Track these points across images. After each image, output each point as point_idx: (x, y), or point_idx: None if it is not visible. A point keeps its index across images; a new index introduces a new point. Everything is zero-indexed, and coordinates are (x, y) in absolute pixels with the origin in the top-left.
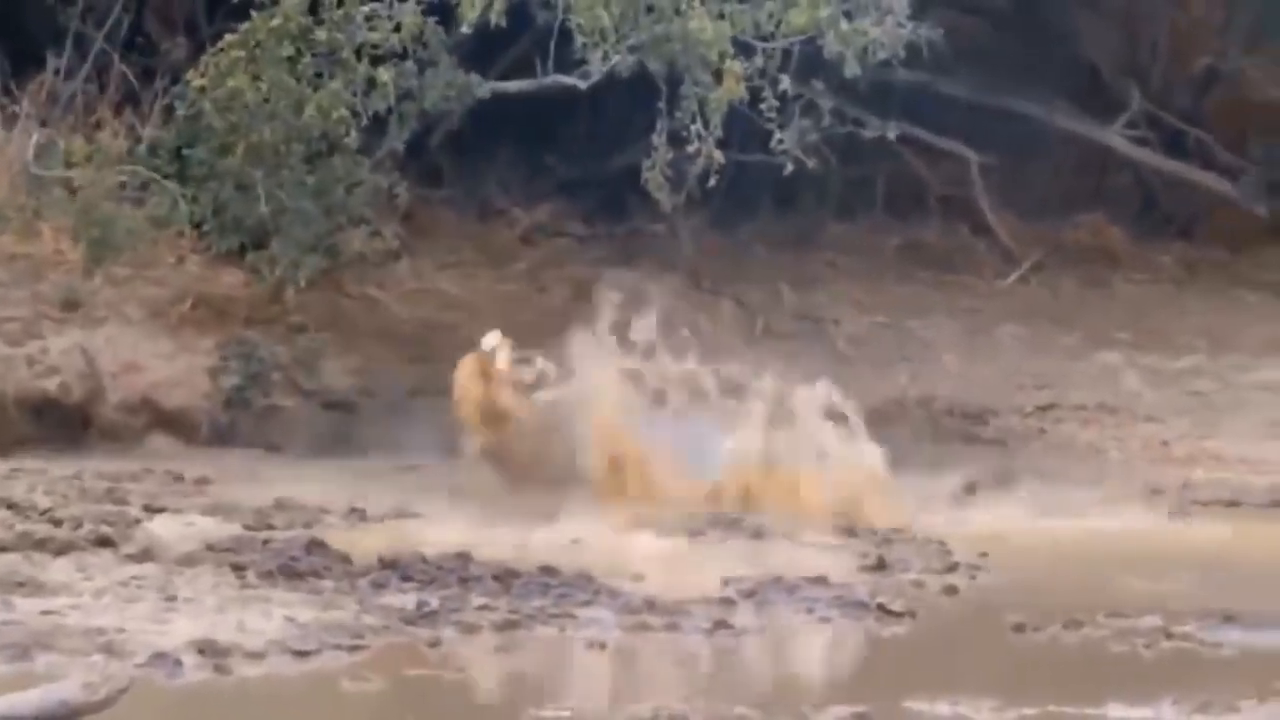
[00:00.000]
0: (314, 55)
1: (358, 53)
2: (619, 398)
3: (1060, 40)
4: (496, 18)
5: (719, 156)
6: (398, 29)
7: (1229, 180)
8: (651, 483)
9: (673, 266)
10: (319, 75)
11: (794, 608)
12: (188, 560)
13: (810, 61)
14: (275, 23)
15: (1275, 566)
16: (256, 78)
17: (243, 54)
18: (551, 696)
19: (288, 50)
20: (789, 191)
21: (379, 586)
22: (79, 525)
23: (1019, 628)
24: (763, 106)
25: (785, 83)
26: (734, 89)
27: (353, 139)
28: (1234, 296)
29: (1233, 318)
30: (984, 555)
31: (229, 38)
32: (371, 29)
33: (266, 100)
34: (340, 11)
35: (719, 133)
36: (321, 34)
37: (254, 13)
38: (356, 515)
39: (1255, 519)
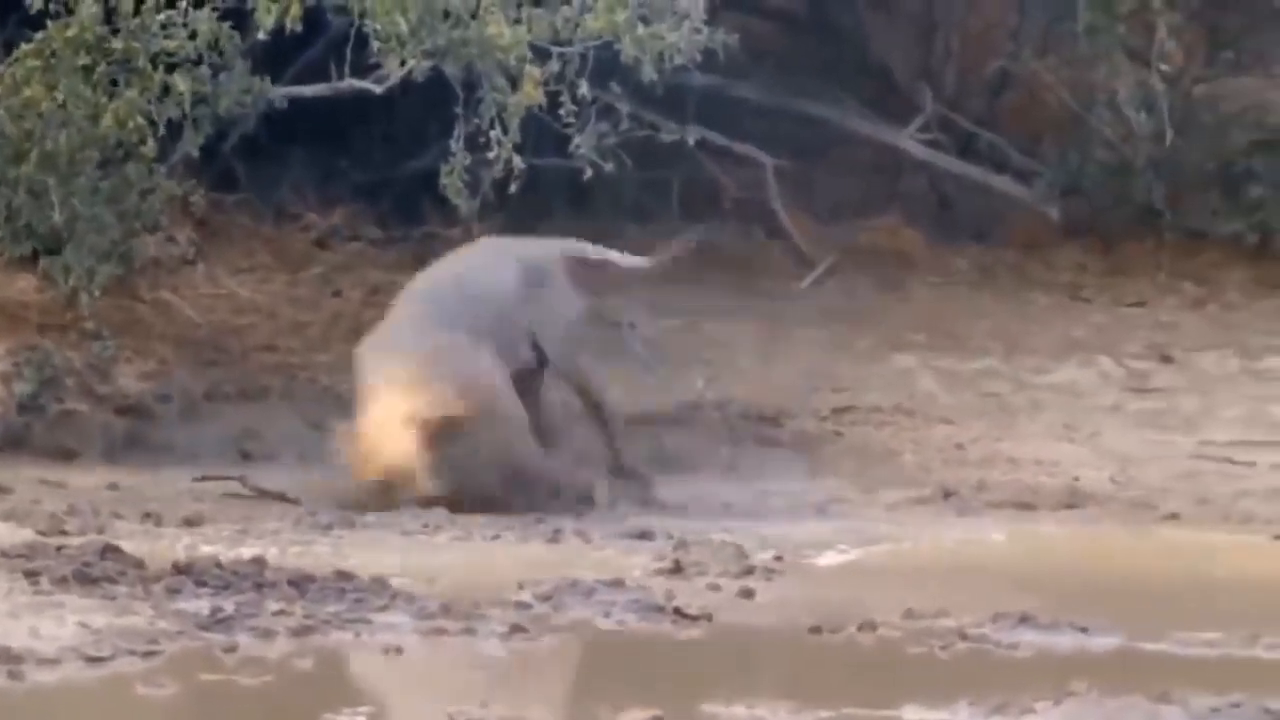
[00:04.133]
0: (110, 64)
1: (153, 61)
2: None
3: (853, 43)
4: (293, 23)
5: (518, 162)
6: (193, 36)
7: (1022, 183)
8: None
9: None
10: (115, 84)
11: (590, 611)
12: None
13: (607, 66)
14: (71, 32)
15: (1069, 568)
16: (52, 87)
17: (38, 64)
18: (347, 701)
19: (84, 60)
20: (584, 195)
21: (173, 592)
22: None
23: (815, 630)
24: (561, 111)
25: (583, 87)
26: (532, 94)
27: (149, 146)
28: (1028, 299)
29: (1026, 320)
30: (779, 559)
31: (24, 47)
32: (167, 37)
33: (62, 108)
34: (136, 20)
35: (517, 138)
36: (118, 43)
37: (49, 22)
38: (151, 521)
39: (1048, 521)
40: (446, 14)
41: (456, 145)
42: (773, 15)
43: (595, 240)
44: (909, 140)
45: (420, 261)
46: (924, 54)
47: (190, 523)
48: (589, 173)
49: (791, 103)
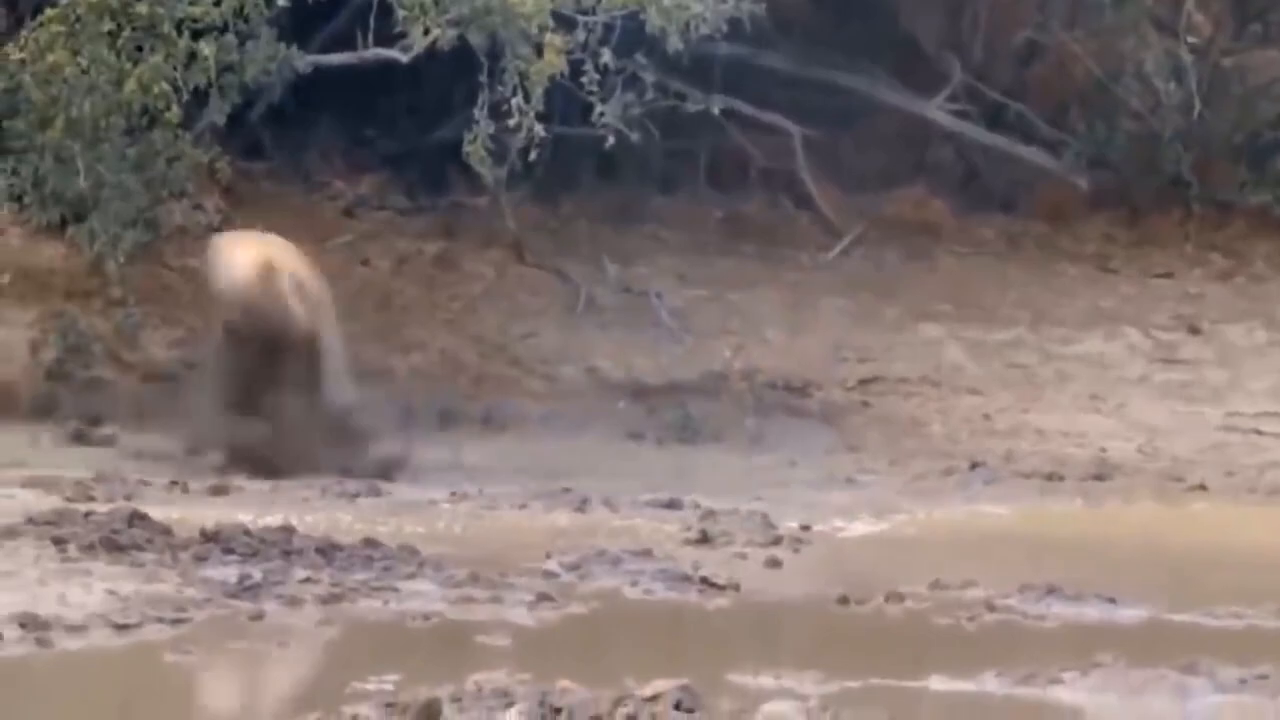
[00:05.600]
0: (134, 29)
1: (178, 27)
2: None
3: (881, 13)
4: None
5: (540, 130)
6: (218, 2)
7: (1050, 153)
8: None
9: (495, 240)
10: (139, 49)
11: (617, 580)
12: (8, 533)
13: (632, 35)
14: None
15: (1097, 539)
16: (76, 53)
17: (63, 29)
18: (375, 669)
19: (108, 25)
20: (611, 165)
21: (201, 559)
22: None
23: (842, 600)
24: (584, 80)
25: (606, 56)
26: (554, 62)
27: (173, 113)
28: (1055, 269)
29: (1054, 290)
30: (806, 529)
31: (49, 12)
32: (192, 3)
33: (86, 74)
34: None
35: (540, 106)
36: (142, 8)
37: None
38: (178, 488)
39: (1075, 492)
40: None
41: (480, 114)
42: None
43: (622, 210)
44: (936, 110)
45: (448, 230)
46: (952, 24)
47: (218, 490)
48: (611, 141)
49: (818, 73)
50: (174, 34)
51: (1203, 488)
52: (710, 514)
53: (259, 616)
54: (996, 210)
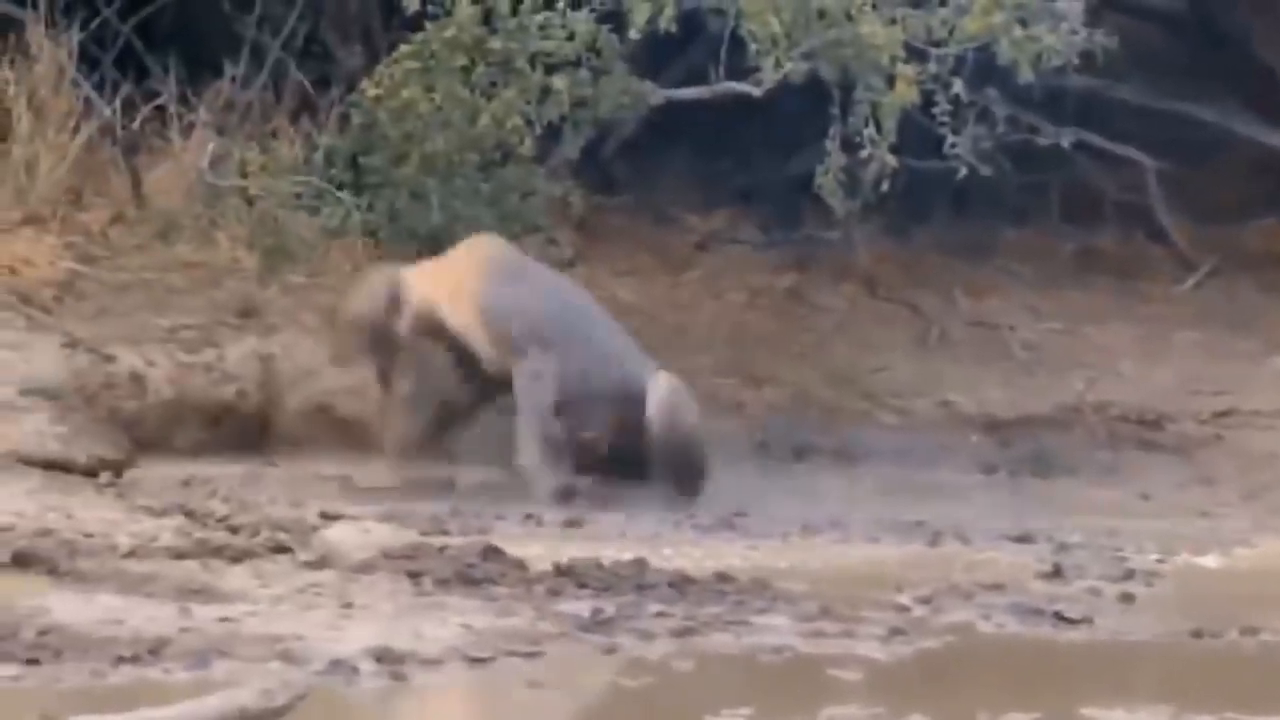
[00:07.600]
0: (488, 65)
1: (531, 61)
2: None
3: (1235, 44)
4: (666, 24)
5: (891, 161)
6: (571, 37)
7: None
8: None
9: (847, 273)
10: (493, 84)
11: (969, 614)
12: (364, 567)
13: (984, 68)
14: (449, 33)
15: None
16: (430, 88)
17: (416, 65)
18: (726, 703)
19: (461, 60)
20: (964, 198)
21: (555, 593)
22: (256, 532)
23: (1196, 634)
24: (935, 112)
25: (958, 87)
26: (905, 93)
27: (527, 147)
28: None
29: None
30: (1160, 562)
31: (403, 48)
32: (545, 37)
33: (440, 110)
34: (514, 20)
35: (892, 138)
36: (496, 43)
37: (428, 23)
38: (532, 522)
39: None
40: (821, 14)
41: (832, 146)
42: (1153, 16)
43: (974, 243)
44: None
45: (800, 264)
46: None
47: (571, 524)
48: (963, 173)
49: (1172, 104)
50: (528, 69)
51: None
52: (1063, 547)
53: (612, 650)
54: None
